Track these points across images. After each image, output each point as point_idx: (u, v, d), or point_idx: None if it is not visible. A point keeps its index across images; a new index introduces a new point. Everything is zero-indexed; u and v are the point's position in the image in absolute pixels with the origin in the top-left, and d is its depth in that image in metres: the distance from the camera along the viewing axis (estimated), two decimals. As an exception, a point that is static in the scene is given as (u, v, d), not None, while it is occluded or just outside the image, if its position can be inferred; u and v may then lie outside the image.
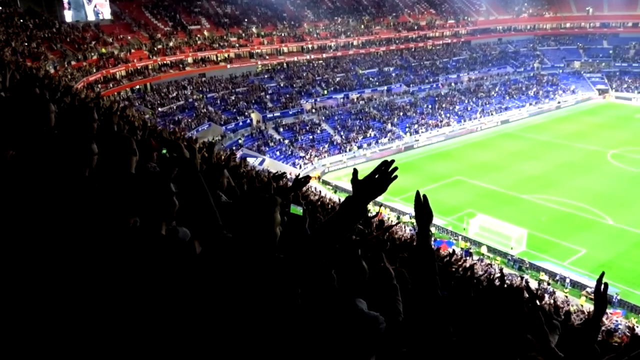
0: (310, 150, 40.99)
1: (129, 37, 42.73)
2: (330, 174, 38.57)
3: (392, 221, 23.22)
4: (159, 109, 39.07)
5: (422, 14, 62.93)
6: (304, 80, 49.99)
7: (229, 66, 46.90)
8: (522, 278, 21.28)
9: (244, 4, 54.26)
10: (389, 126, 46.29)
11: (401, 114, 48.79)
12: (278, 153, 39.93)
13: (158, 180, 2.23)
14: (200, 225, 2.22)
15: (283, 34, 52.08)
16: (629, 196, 31.33)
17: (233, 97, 44.54)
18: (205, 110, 41.68)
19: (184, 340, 1.90)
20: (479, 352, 1.97)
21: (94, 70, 35.95)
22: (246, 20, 52.00)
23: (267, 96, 46.17)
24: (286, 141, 41.65)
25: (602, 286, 2.31)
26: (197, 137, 26.66)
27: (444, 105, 51.23)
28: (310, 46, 53.28)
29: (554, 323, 3.32)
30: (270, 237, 2.10)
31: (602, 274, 2.35)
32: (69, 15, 40.12)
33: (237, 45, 48.35)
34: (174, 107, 40.62)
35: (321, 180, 36.54)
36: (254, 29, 50.89)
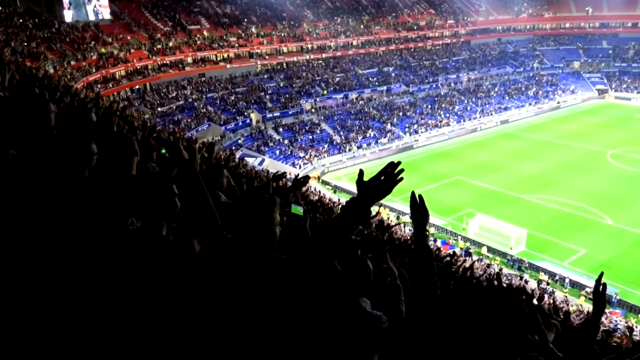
0: (310, 150, 40.99)
1: (129, 37, 42.72)
2: (330, 174, 38.57)
3: (392, 221, 23.23)
4: (159, 109, 39.06)
5: (422, 14, 62.95)
6: (303, 80, 50.00)
7: (228, 66, 46.90)
8: (521, 278, 21.29)
9: (243, 4, 54.26)
10: (388, 126, 46.30)
11: (401, 114, 48.81)
12: (278, 153, 39.94)
13: (160, 181, 2.23)
14: (199, 225, 2.22)
15: (283, 34, 52.08)
16: (629, 196, 31.35)
17: (233, 97, 44.54)
18: (204, 110, 41.68)
19: (184, 340, 1.90)
20: (479, 351, 1.97)
21: (94, 70, 35.93)
22: (246, 20, 52.00)
23: (267, 96, 46.17)
24: (286, 141, 41.65)
25: (601, 287, 2.31)
26: (196, 137, 26.67)
27: (443, 105, 51.24)
28: (309, 46, 53.29)
29: (553, 323, 3.33)
30: (270, 237, 2.11)
31: (601, 274, 2.36)
32: (68, 15, 40.09)
33: (237, 45, 48.35)
34: (174, 107, 40.61)
35: (321, 181, 36.53)
36: (253, 29, 50.89)
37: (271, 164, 35.68)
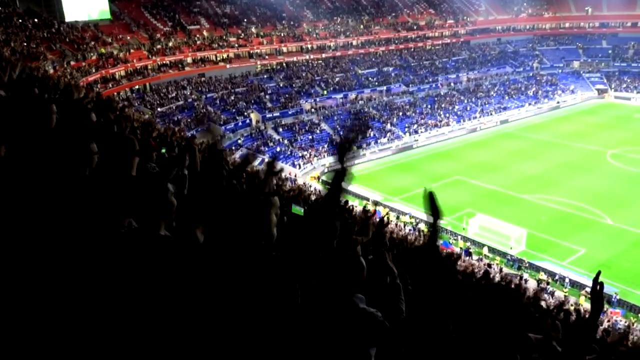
0: (310, 150, 40.99)
1: (128, 37, 42.73)
2: (330, 174, 38.54)
3: (391, 221, 23.24)
4: (158, 109, 39.06)
5: (422, 14, 62.96)
6: (303, 80, 50.00)
7: (228, 66, 46.90)
8: (521, 278, 21.30)
9: (243, 4, 54.26)
10: (388, 126, 46.29)
11: (400, 113, 48.81)
12: (277, 153, 39.93)
13: (156, 180, 2.24)
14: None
15: (282, 34, 52.08)
16: (628, 196, 31.37)
17: (232, 97, 44.54)
18: (204, 110, 41.68)
19: (183, 340, 1.90)
20: (479, 350, 1.97)
21: (93, 71, 35.93)
22: (245, 20, 52.01)
23: (267, 96, 46.17)
24: (285, 141, 41.65)
25: (599, 285, 2.32)
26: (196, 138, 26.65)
27: (443, 105, 51.25)
28: (309, 46, 53.29)
29: (555, 322, 3.33)
30: (268, 238, 2.12)
31: (599, 273, 2.39)
32: (68, 15, 40.11)
33: (237, 45, 48.36)
34: (173, 107, 40.61)
35: (320, 181, 36.52)
36: (253, 29, 50.89)
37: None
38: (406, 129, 46.13)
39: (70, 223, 2.07)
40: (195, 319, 1.91)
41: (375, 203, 29.93)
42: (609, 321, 18.89)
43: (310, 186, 30.24)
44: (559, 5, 68.43)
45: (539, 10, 68.90)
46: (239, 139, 40.17)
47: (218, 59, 46.88)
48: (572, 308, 17.54)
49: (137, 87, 40.99)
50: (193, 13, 50.25)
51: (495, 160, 39.06)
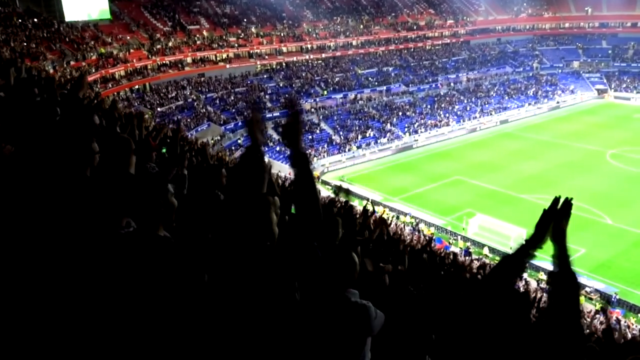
0: (310, 150, 40.97)
1: (128, 37, 42.72)
2: (330, 174, 38.55)
3: (391, 221, 23.23)
4: (158, 109, 39.05)
5: (421, 14, 62.96)
6: (303, 80, 50.00)
7: (228, 66, 46.90)
8: (521, 278, 21.29)
9: (243, 4, 54.25)
10: (388, 126, 46.29)
11: (400, 113, 48.80)
12: (277, 153, 39.93)
13: (156, 181, 2.24)
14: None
15: (282, 34, 52.08)
16: (628, 196, 31.38)
17: (232, 97, 44.54)
18: (204, 110, 41.69)
19: (183, 339, 1.90)
20: (480, 349, 1.98)
21: (93, 70, 35.91)
22: (245, 20, 51.99)
23: (267, 96, 46.17)
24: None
25: (550, 212, 1.99)
26: (196, 137, 26.67)
27: (443, 105, 51.25)
28: (309, 46, 53.28)
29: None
30: (270, 237, 2.13)
31: (557, 199, 2.07)
32: (68, 15, 40.10)
33: (236, 45, 48.35)
34: (173, 107, 40.61)
35: (320, 181, 36.50)
36: (253, 29, 50.88)
37: (271, 164, 35.57)
38: (406, 129, 46.12)
39: (72, 223, 2.07)
40: (196, 319, 1.92)
41: (373, 203, 29.91)
42: (609, 321, 18.88)
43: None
44: (559, 6, 68.44)
45: (539, 11, 68.91)
46: (239, 138, 40.17)
47: (218, 59, 46.88)
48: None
49: (136, 87, 40.98)
50: (193, 13, 50.24)
51: (495, 160, 39.07)
